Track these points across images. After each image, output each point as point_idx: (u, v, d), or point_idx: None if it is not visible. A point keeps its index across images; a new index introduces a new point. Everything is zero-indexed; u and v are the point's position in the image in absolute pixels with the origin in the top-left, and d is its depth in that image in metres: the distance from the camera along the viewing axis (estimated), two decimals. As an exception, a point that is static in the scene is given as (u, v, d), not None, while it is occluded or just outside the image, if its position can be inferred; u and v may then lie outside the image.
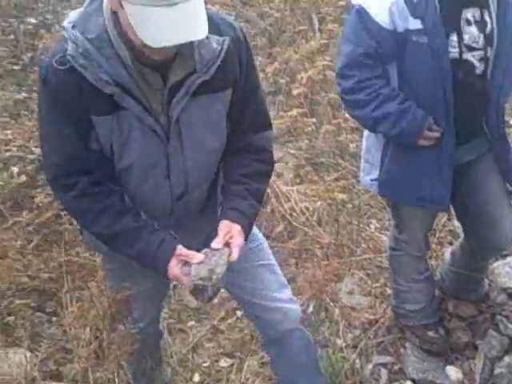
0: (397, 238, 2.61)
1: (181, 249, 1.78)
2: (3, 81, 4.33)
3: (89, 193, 1.76)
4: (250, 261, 2.07)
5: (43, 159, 1.86)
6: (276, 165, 3.73)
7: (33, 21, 5.03)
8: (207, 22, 1.55)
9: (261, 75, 4.65)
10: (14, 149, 3.94)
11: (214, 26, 1.68)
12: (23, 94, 4.33)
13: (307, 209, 3.30)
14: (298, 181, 3.60)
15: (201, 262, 1.72)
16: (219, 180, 1.93)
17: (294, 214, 3.31)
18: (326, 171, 3.61)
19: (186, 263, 1.75)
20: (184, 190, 1.84)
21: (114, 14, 1.60)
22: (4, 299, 2.98)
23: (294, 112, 3.83)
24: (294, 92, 4.02)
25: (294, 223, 3.27)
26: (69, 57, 1.61)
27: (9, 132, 4.04)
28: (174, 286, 3.11)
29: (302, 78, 4.01)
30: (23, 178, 3.67)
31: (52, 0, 5.34)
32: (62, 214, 3.23)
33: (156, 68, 1.66)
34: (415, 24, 2.14)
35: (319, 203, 3.27)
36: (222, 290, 2.93)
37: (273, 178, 3.57)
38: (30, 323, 2.95)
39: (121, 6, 1.53)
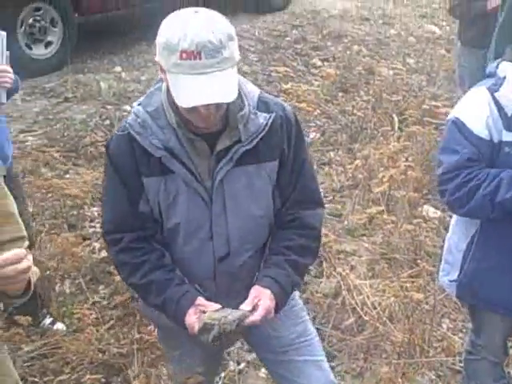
0: (474, 341, 2.52)
1: (200, 300, 1.87)
2: (96, 162, 4.59)
3: (132, 247, 1.90)
4: (300, 355, 2.10)
5: (101, 215, 2.02)
6: (350, 258, 3.76)
7: (128, 108, 5.37)
8: (238, 92, 1.74)
9: (339, 169, 4.75)
10: (98, 225, 4.14)
11: (265, 105, 1.88)
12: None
13: (379, 304, 3.25)
14: (371, 275, 3.57)
15: (217, 310, 1.81)
16: (265, 254, 1.99)
17: (365, 308, 3.26)
18: (401, 268, 3.57)
19: (204, 313, 1.83)
20: (226, 253, 1.92)
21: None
22: (75, 372, 3.03)
23: (373, 210, 3.85)
24: (375, 189, 4.06)
25: (365, 317, 3.21)
26: (127, 125, 1.83)
27: (95, 209, 4.25)
28: (239, 371, 3.10)
29: (383, 176, 4.05)
30: (103, 253, 3.83)
31: (147, 90, 5.70)
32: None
33: (204, 137, 1.82)
34: (509, 136, 2.18)
35: (392, 299, 3.21)
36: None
37: (346, 270, 3.58)
38: (97, 399, 2.98)
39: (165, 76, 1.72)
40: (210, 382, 2.35)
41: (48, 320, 3.33)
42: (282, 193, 1.94)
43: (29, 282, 1.56)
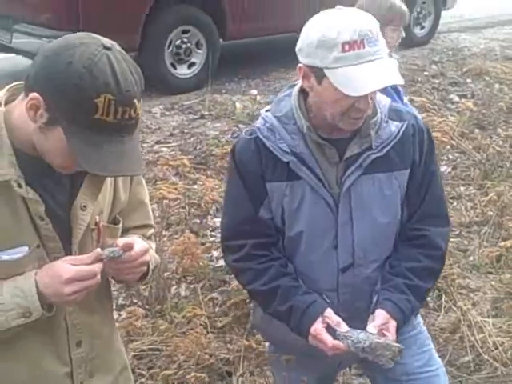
0: None
1: (330, 312, 1.79)
2: (222, 175, 4.70)
3: (254, 254, 1.86)
4: None
5: (221, 221, 2.01)
6: (473, 293, 3.56)
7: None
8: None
9: (469, 204, 4.54)
10: (219, 235, 4.21)
11: (396, 113, 1.84)
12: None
13: (501, 344, 3.03)
14: (494, 314, 3.35)
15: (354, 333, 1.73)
16: (385, 268, 1.90)
17: (485, 346, 3.05)
18: (528, 309, 3.32)
19: (329, 329, 1.75)
20: (351, 263, 1.84)
21: (302, 95, 1.80)
22: (180, 369, 3.08)
23: (507, 243, 3.62)
24: (509, 224, 3.84)
25: (484, 356, 3.01)
26: (256, 128, 1.82)
27: (217, 220, 4.34)
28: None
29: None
30: (221, 262, 3.89)
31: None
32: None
33: (334, 143, 1.79)
34: None
35: (516, 340, 3.00)
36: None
37: (468, 306, 3.38)
38: (197, 399, 3.00)
39: (320, 80, 1.68)
40: None
41: None
42: (410, 204, 1.88)
43: (148, 267, 1.59)
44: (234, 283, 3.54)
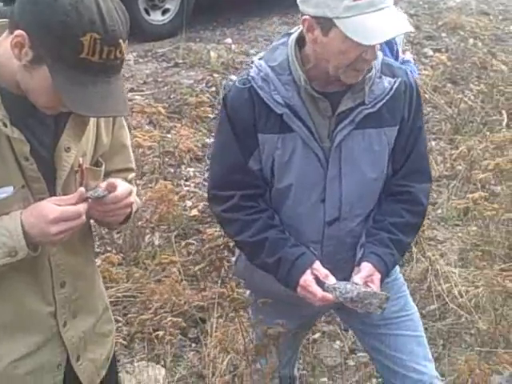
0: None
1: (319, 265, 1.83)
2: (197, 124, 4.70)
3: (242, 205, 1.86)
4: (400, 329, 2.06)
5: (209, 170, 2.01)
6: (441, 244, 3.66)
7: (234, 78, 5.44)
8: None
9: (439, 158, 4.62)
10: (192, 185, 4.24)
11: (389, 68, 1.84)
12: (211, 138, 4.65)
13: (466, 292, 3.15)
14: (460, 264, 3.46)
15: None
16: (368, 222, 1.94)
17: (451, 295, 3.17)
18: (493, 260, 3.44)
19: (317, 280, 1.79)
20: (337, 216, 1.88)
21: (298, 45, 1.78)
22: (157, 315, 3.13)
23: (475, 196, 3.71)
24: (477, 177, 3.92)
25: (449, 304, 3.13)
26: (250, 78, 1.80)
27: (191, 169, 4.35)
28: (314, 340, 3.10)
29: (488, 164, 3.89)
30: (195, 212, 3.92)
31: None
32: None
33: (328, 97, 1.78)
34: None
35: (480, 289, 3.10)
36: (363, 354, 2.91)
37: (436, 256, 3.49)
38: (172, 344, 3.06)
39: (327, 31, 1.66)
40: (299, 340, 2.37)
41: None
42: (395, 159, 1.90)
43: (131, 210, 1.59)
44: (209, 232, 3.58)
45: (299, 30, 1.81)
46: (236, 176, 1.85)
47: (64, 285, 1.56)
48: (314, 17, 1.67)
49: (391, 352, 2.06)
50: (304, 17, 1.69)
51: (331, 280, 1.80)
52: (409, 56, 3.42)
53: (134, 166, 1.75)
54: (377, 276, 1.84)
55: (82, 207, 1.41)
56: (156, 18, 6.43)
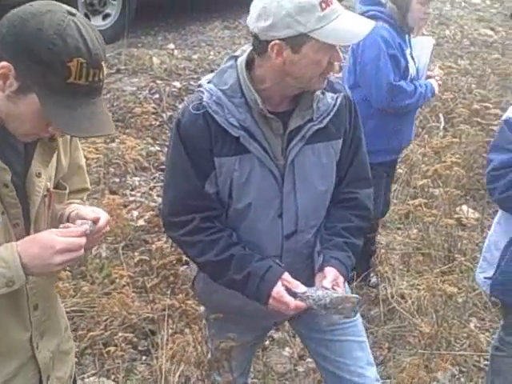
0: (503, 338, 2.54)
1: (288, 276, 1.87)
2: (141, 133, 4.68)
3: (202, 227, 1.89)
4: (344, 335, 2.13)
5: (163, 195, 2.02)
6: (383, 249, 3.77)
7: (178, 85, 5.46)
8: None
9: (381, 162, 4.73)
10: (138, 194, 4.23)
11: (329, 84, 1.90)
12: (156, 147, 4.65)
13: (409, 296, 3.26)
14: (402, 267, 3.58)
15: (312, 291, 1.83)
16: (320, 230, 2.01)
17: (395, 298, 3.28)
18: (434, 263, 3.57)
19: (288, 291, 1.84)
20: (294, 230, 1.94)
21: (247, 68, 1.83)
22: (107, 330, 3.12)
23: (415, 202, 3.84)
24: (418, 183, 4.06)
25: (393, 307, 3.23)
26: (204, 103, 1.82)
27: (136, 179, 4.34)
28: (264, 348, 3.15)
29: (427, 170, 4.04)
30: (141, 222, 3.91)
31: (197, 69, 5.80)
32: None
33: (279, 116, 1.84)
34: None
35: (422, 292, 3.23)
36: (311, 360, 2.98)
37: (379, 260, 3.60)
38: (123, 359, 3.06)
39: (298, 48, 1.73)
40: (254, 350, 2.41)
41: None
42: (339, 168, 1.98)
43: None
44: (157, 243, 3.59)
45: (247, 53, 1.86)
46: (193, 201, 1.88)
47: (37, 308, 1.59)
48: (284, 39, 1.72)
49: (336, 357, 2.12)
50: (272, 43, 1.73)
51: (302, 289, 1.85)
52: (437, 72, 3.49)
53: (88, 185, 1.79)
54: (341, 279, 1.91)
55: (84, 240, 1.45)
56: (97, 23, 6.33)
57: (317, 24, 1.69)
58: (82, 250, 1.45)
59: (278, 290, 1.84)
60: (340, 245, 1.97)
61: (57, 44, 1.30)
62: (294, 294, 1.84)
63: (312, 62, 1.75)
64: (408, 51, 3.23)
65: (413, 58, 3.25)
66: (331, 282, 1.87)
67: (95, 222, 1.51)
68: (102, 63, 1.37)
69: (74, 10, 1.37)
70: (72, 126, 1.36)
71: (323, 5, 1.69)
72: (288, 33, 1.70)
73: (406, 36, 3.24)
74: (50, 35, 1.30)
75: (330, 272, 1.90)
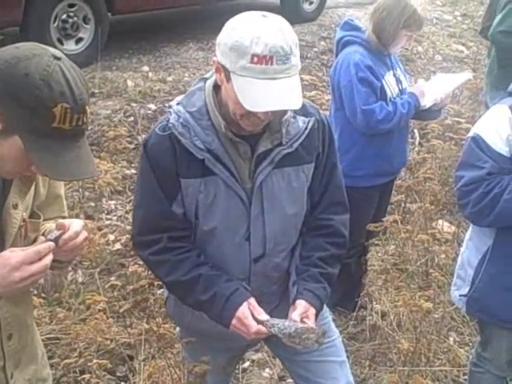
0: (480, 354, 2.54)
1: (253, 301, 1.86)
2: (116, 156, 4.65)
3: (171, 247, 1.89)
4: (324, 356, 2.11)
5: (133, 215, 2.01)
6: (363, 266, 3.76)
7: (153, 107, 5.45)
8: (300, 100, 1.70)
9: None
10: (114, 218, 4.20)
11: (302, 108, 1.83)
12: (132, 170, 4.62)
13: (387, 313, 3.25)
14: (380, 284, 3.57)
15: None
16: (295, 257, 2.00)
17: (375, 315, 3.27)
18: (412, 278, 3.57)
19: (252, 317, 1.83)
20: (262, 253, 1.93)
21: (215, 91, 1.81)
22: (81, 357, 3.06)
23: (390, 218, 3.84)
24: (393, 198, 4.06)
25: (374, 324, 3.22)
26: (170, 125, 1.82)
27: (112, 202, 4.31)
28: (244, 370, 3.12)
29: (400, 186, 4.05)
30: (118, 245, 3.88)
31: (172, 91, 5.79)
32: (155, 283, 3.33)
33: (246, 139, 1.83)
34: None
35: (401, 309, 3.21)
36: (291, 380, 2.95)
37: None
38: (99, 386, 3.01)
39: (227, 79, 1.70)
40: (229, 375, 2.39)
41: None
42: (312, 193, 1.97)
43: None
44: (133, 267, 3.55)
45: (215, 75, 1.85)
46: (161, 220, 1.87)
47: (11, 337, 1.58)
48: (219, 62, 1.72)
49: (316, 378, 2.11)
50: (214, 58, 1.75)
51: (264, 317, 1.84)
52: (420, 83, 3.33)
53: (66, 213, 1.79)
54: (312, 311, 1.90)
55: (42, 248, 1.43)
56: (70, 47, 6.31)
57: (239, 70, 1.66)
58: (45, 262, 1.42)
59: (244, 310, 1.83)
60: (315, 275, 1.95)
61: (42, 90, 1.33)
62: (259, 321, 1.83)
63: (234, 100, 1.70)
64: (391, 72, 3.19)
65: (397, 78, 3.22)
66: (300, 315, 1.86)
67: (60, 227, 1.50)
68: (86, 107, 1.40)
69: (59, 54, 1.40)
70: (56, 171, 1.38)
71: (255, 59, 1.62)
72: (221, 60, 1.71)
73: (387, 58, 3.20)
74: (36, 80, 1.33)
75: (300, 305, 1.89)
